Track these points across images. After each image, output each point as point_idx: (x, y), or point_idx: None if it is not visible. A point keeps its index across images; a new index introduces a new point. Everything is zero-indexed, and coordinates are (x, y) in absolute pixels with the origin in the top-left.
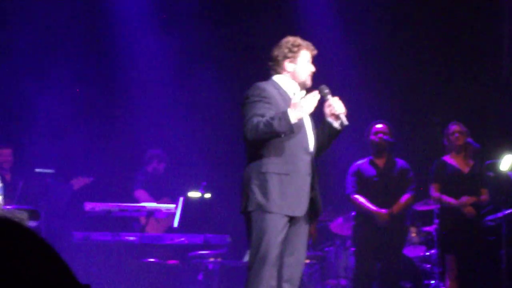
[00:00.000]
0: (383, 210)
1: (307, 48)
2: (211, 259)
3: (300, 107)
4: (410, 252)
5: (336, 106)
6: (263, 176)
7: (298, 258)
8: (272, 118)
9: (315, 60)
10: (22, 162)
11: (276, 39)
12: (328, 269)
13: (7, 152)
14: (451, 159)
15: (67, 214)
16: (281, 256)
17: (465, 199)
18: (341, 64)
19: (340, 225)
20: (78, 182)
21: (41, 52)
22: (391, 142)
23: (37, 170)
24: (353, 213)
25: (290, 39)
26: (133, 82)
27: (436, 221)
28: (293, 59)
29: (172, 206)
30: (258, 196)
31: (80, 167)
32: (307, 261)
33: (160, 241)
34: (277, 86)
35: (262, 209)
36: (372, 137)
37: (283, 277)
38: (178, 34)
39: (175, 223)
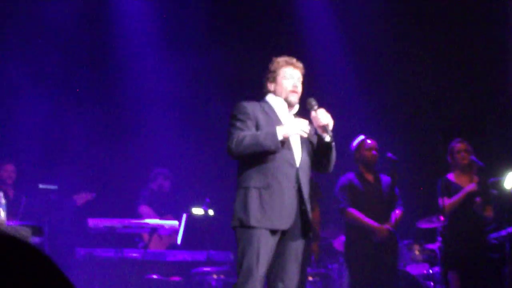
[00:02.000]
0: (383, 226)
1: (287, 65)
2: (214, 276)
3: (289, 127)
4: (413, 269)
5: (321, 118)
6: (244, 191)
7: (289, 273)
8: (258, 134)
9: (315, 76)
10: (25, 178)
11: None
12: (331, 286)
13: (10, 168)
14: (454, 178)
15: (71, 230)
16: (275, 268)
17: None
18: (342, 82)
19: (343, 243)
20: (81, 198)
21: (46, 67)
22: (394, 159)
23: (41, 186)
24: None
25: (273, 59)
26: (138, 99)
27: (439, 238)
28: (272, 78)
29: (176, 222)
30: (240, 211)
31: (83, 183)
32: (310, 278)
33: (163, 257)
34: (265, 105)
35: (243, 224)
36: (365, 153)
37: None
38: (184, 53)
39: (178, 240)
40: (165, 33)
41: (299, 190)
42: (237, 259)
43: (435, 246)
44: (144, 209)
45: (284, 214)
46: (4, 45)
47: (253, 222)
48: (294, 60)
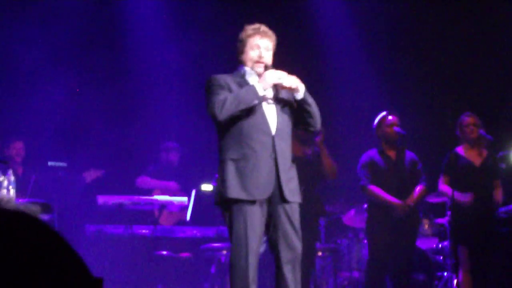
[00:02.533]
0: (402, 202)
1: (255, 34)
2: (224, 252)
3: (263, 79)
4: (423, 244)
5: (285, 82)
6: (222, 164)
7: (288, 242)
8: (238, 92)
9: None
10: (34, 156)
11: (290, 41)
12: (340, 261)
13: (18, 145)
14: (463, 151)
15: (80, 207)
16: (275, 241)
17: (468, 197)
18: (352, 55)
19: (353, 217)
20: (90, 175)
21: (56, 51)
22: (403, 134)
23: (50, 163)
24: (365, 205)
25: (243, 29)
26: (147, 77)
27: (449, 213)
28: (241, 49)
29: (185, 199)
30: (220, 185)
31: (92, 160)
32: (320, 253)
33: (172, 234)
34: (237, 77)
35: (224, 198)
36: (386, 129)
37: (282, 259)
38: (194, 32)
39: (188, 216)
40: (176, 13)
41: (276, 159)
42: (229, 234)
43: (444, 220)
44: (141, 179)
45: (261, 184)
46: (20, 26)
47: (232, 194)
48: (262, 28)
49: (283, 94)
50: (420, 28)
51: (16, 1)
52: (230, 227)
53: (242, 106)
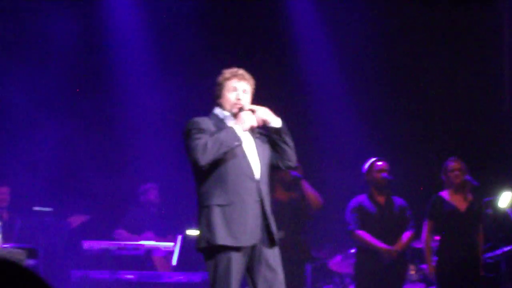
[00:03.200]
0: (390, 247)
1: (233, 77)
2: None
3: (241, 120)
4: None
5: (259, 113)
6: (207, 210)
7: (275, 285)
8: (216, 135)
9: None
10: (19, 201)
11: (274, 82)
12: None
13: (4, 190)
14: (448, 196)
15: (65, 252)
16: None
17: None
18: (336, 98)
19: (339, 263)
20: (76, 220)
21: (44, 97)
22: (391, 180)
23: (35, 208)
24: (353, 250)
25: (221, 73)
26: (133, 123)
27: (435, 258)
28: (219, 92)
29: (171, 244)
30: (205, 231)
31: (77, 205)
32: None
33: (158, 279)
34: (214, 119)
35: (210, 243)
36: (375, 175)
37: None
38: (177, 71)
39: (174, 261)
40: (158, 56)
41: (262, 204)
42: (209, 280)
43: (425, 266)
44: (118, 232)
45: (249, 230)
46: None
47: (219, 240)
48: (240, 72)
49: (260, 136)
50: (406, 69)
51: (7, 45)
52: (213, 273)
53: (224, 149)
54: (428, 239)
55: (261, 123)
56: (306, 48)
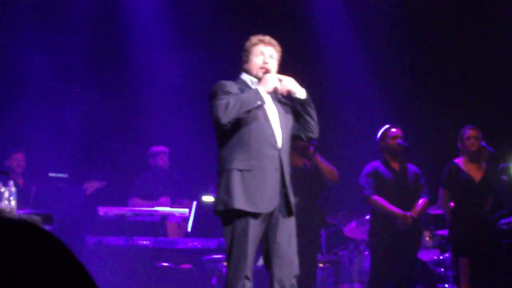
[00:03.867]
0: (406, 213)
1: (259, 43)
2: (225, 263)
3: (264, 81)
4: (424, 255)
5: (285, 83)
6: (227, 173)
7: (285, 258)
8: (240, 95)
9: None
10: (35, 167)
11: (291, 51)
12: (341, 273)
13: (19, 156)
14: (463, 164)
15: (81, 218)
16: (270, 256)
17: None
18: (353, 66)
19: (354, 229)
20: (91, 186)
21: (63, 67)
22: (406, 146)
23: (50, 174)
24: (367, 216)
25: (248, 39)
26: (147, 85)
27: (449, 225)
28: (246, 57)
29: (186, 210)
30: (223, 194)
31: (93, 171)
32: (321, 265)
33: (173, 245)
34: (240, 84)
35: (228, 208)
36: (390, 141)
37: (274, 277)
38: (194, 48)
39: (189, 228)
40: (176, 28)
41: (282, 172)
42: (226, 245)
43: (445, 232)
44: (134, 201)
45: (267, 197)
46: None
47: (237, 205)
48: (266, 38)
49: (284, 106)
50: (423, 40)
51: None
52: (230, 238)
53: (245, 108)
54: (446, 206)
55: (285, 94)
56: (322, 15)
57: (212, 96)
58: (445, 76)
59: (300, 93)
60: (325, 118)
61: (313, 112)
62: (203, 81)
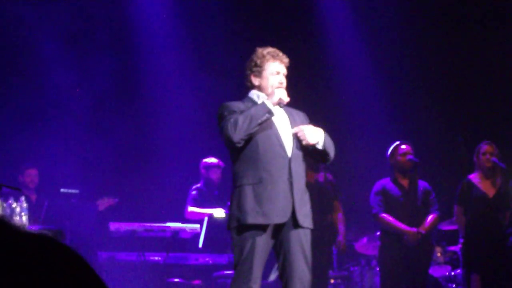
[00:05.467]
0: (414, 229)
1: (274, 59)
2: None
3: (272, 94)
4: (436, 271)
5: (309, 138)
6: (238, 189)
7: (297, 271)
8: (248, 111)
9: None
10: (47, 182)
11: (303, 65)
12: None
13: (33, 172)
14: (478, 179)
15: (92, 234)
16: (284, 270)
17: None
18: (363, 82)
19: (365, 245)
20: (104, 203)
21: (68, 69)
22: (416, 162)
23: (63, 190)
24: (378, 233)
25: (258, 51)
26: (158, 97)
27: (461, 240)
28: (258, 73)
29: (197, 226)
30: (236, 211)
31: (105, 187)
32: (332, 281)
33: (185, 261)
34: (249, 103)
35: (240, 223)
36: (399, 158)
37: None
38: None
39: (200, 243)
40: (192, 52)
41: (291, 183)
42: (234, 256)
43: (457, 248)
44: (190, 210)
45: (279, 207)
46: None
47: (250, 220)
48: (280, 54)
49: (296, 118)
50: (436, 56)
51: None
52: (238, 249)
53: (255, 122)
54: (462, 223)
55: (305, 144)
56: (332, 28)
57: (220, 118)
58: (457, 92)
59: (319, 141)
60: (336, 135)
61: (331, 151)
62: (216, 100)
